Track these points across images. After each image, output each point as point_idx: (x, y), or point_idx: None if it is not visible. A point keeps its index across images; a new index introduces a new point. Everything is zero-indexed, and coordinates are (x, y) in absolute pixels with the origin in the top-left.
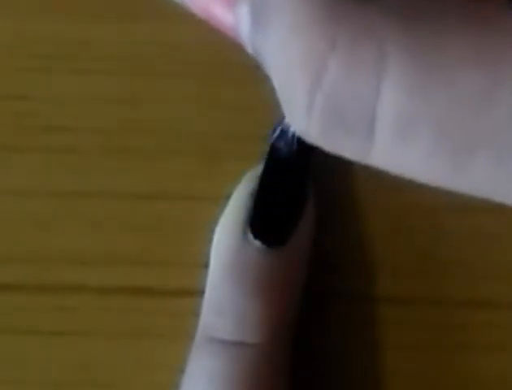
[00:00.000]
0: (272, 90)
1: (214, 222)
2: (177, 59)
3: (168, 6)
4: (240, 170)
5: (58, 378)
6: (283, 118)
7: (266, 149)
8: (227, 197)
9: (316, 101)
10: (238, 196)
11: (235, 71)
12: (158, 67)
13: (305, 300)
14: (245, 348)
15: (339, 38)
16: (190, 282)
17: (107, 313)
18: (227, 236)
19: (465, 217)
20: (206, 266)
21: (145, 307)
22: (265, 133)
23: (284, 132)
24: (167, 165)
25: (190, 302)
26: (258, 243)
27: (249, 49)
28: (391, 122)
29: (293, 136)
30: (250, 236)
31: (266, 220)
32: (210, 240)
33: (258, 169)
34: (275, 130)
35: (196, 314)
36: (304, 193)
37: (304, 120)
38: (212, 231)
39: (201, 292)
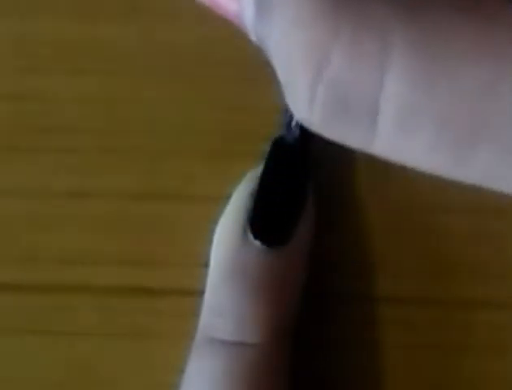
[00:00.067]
0: (273, 90)
1: (214, 222)
2: (177, 59)
3: (168, 6)
4: (240, 170)
5: (58, 378)
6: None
7: (266, 149)
8: (227, 197)
9: (318, 93)
10: (238, 196)
11: (235, 70)
12: (158, 67)
13: (305, 300)
14: (244, 348)
15: (341, 31)
16: (190, 282)
17: (107, 313)
18: (227, 236)
19: (465, 217)
20: (206, 266)
21: (145, 307)
22: (265, 133)
23: None
24: (167, 165)
25: (190, 302)
26: (258, 243)
27: (253, 37)
28: (393, 114)
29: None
30: (250, 236)
31: (266, 220)
32: (210, 240)
33: (258, 169)
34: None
35: (196, 314)
36: (304, 193)
37: (306, 111)
38: (212, 231)
39: (201, 292)
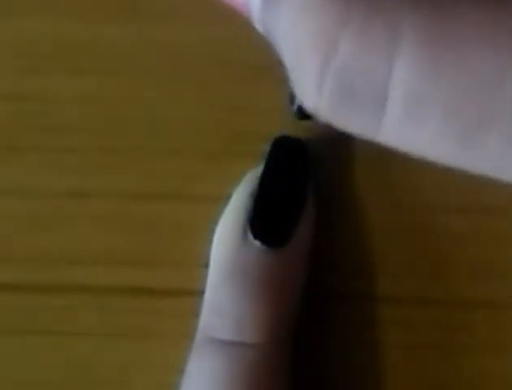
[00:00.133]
0: (273, 90)
1: (214, 222)
2: (177, 59)
3: (168, 6)
4: (240, 170)
5: (58, 378)
6: None
7: (266, 149)
8: (227, 197)
9: (326, 81)
10: (238, 196)
11: (235, 71)
12: (158, 67)
13: (305, 300)
14: (244, 348)
15: (350, 19)
16: (190, 282)
17: (107, 313)
18: (227, 236)
19: (465, 217)
20: (206, 266)
21: (145, 307)
22: (265, 133)
23: None
24: (166, 165)
25: (190, 302)
26: (258, 243)
27: (260, 27)
28: (401, 101)
29: None
30: (250, 236)
31: (266, 220)
32: (210, 240)
33: (258, 169)
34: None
35: (196, 314)
36: (304, 193)
37: (314, 98)
38: (212, 231)
39: (201, 292)
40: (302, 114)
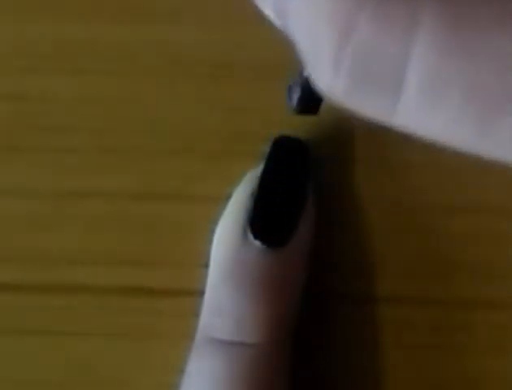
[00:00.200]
0: (273, 90)
1: (214, 222)
2: (177, 59)
3: (168, 6)
4: (240, 170)
5: (58, 378)
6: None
7: (266, 149)
8: (227, 197)
9: (344, 59)
10: (238, 196)
11: (235, 71)
12: (158, 67)
13: (305, 300)
14: (244, 348)
15: None
16: (190, 282)
17: (107, 313)
18: (227, 236)
19: (465, 217)
20: (206, 266)
21: (145, 307)
22: (265, 133)
23: None
24: (167, 165)
25: (190, 302)
26: (258, 243)
27: (270, 8)
28: (420, 81)
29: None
30: (250, 236)
31: (266, 220)
32: (210, 240)
33: (258, 169)
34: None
35: (196, 314)
36: (304, 193)
37: (330, 77)
38: (212, 232)
39: (201, 293)
40: (301, 108)
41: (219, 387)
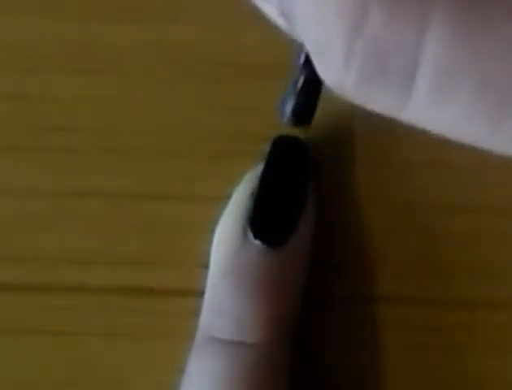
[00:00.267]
0: (273, 90)
1: (214, 222)
2: (177, 59)
3: (168, 7)
4: (240, 170)
5: (58, 378)
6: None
7: (266, 149)
8: (227, 197)
9: (355, 49)
10: (238, 196)
11: (235, 71)
12: (158, 67)
13: (305, 300)
14: (244, 348)
15: None
16: (190, 282)
17: (107, 313)
18: (227, 236)
19: (465, 217)
20: (206, 266)
21: (145, 307)
22: (265, 133)
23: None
24: (167, 165)
25: (190, 302)
26: (258, 243)
27: (274, 8)
28: (431, 76)
29: None
30: (250, 236)
31: (266, 220)
32: (210, 240)
33: (258, 169)
34: (300, 56)
35: (196, 314)
36: (304, 193)
37: (340, 73)
38: (212, 231)
39: (201, 293)
40: (295, 120)
41: (219, 387)
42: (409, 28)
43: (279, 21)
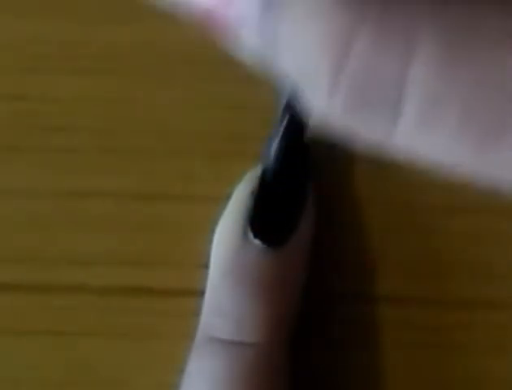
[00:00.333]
0: (272, 90)
1: (214, 222)
2: (177, 59)
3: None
4: (240, 170)
5: (58, 378)
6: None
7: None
8: (227, 197)
9: (340, 84)
10: (238, 196)
11: (235, 70)
12: (158, 67)
13: (306, 299)
14: (244, 348)
15: (365, 19)
16: (190, 282)
17: (107, 313)
18: (227, 235)
19: (465, 217)
20: (206, 266)
21: (145, 307)
22: (265, 133)
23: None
24: (167, 165)
25: (190, 302)
26: (258, 242)
27: (254, 43)
28: (417, 104)
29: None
30: (250, 236)
31: (266, 220)
32: (210, 240)
33: (258, 169)
34: (283, 98)
35: (196, 314)
36: (304, 193)
37: (326, 104)
38: (212, 231)
39: (202, 292)
40: (278, 162)
41: (219, 387)
42: (393, 62)
43: (259, 52)
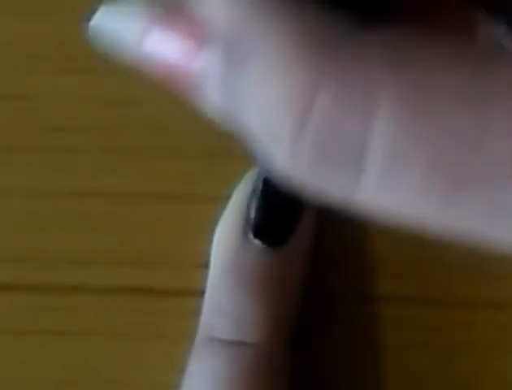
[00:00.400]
0: None
1: (214, 222)
2: None
3: None
4: (240, 170)
5: (58, 378)
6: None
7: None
8: (227, 197)
9: (302, 142)
10: (238, 196)
11: None
12: None
13: (306, 299)
14: (244, 348)
15: (326, 78)
16: (190, 282)
17: (107, 313)
18: (227, 235)
19: None
20: (206, 266)
21: (145, 307)
22: None
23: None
24: (167, 165)
25: (190, 302)
26: (258, 242)
27: (217, 98)
28: (380, 161)
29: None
30: (250, 236)
31: (266, 220)
32: (210, 240)
33: (258, 169)
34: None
35: (196, 314)
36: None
37: (288, 162)
38: (212, 231)
39: (202, 292)
40: (259, 234)
41: (219, 387)
42: (355, 116)
43: (224, 113)
